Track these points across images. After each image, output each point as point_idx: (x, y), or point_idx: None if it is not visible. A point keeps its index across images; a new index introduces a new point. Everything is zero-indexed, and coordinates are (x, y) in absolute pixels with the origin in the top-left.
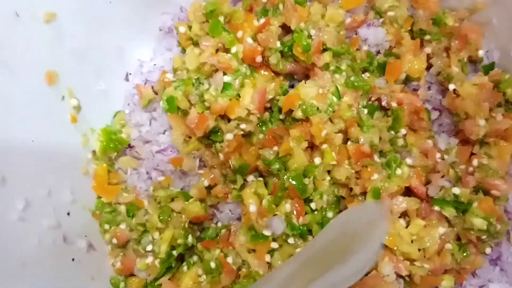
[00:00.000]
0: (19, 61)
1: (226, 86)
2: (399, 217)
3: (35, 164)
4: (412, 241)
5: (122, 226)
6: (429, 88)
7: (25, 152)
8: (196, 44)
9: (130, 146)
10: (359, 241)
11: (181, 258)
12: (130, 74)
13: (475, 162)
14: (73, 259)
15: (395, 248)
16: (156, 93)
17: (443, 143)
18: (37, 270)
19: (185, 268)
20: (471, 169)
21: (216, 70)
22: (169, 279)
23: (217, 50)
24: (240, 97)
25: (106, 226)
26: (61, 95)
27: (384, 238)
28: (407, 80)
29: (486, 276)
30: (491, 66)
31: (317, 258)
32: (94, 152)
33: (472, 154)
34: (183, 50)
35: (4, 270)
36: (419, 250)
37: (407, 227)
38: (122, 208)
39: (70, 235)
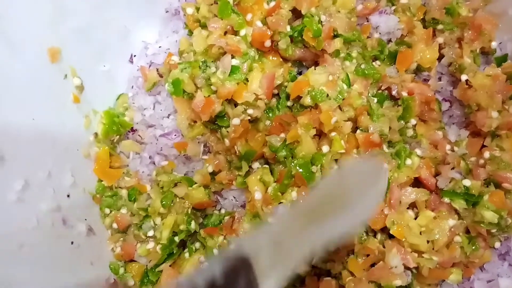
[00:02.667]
0: (19, 35)
1: (234, 69)
2: (408, 208)
3: (35, 144)
4: (420, 233)
5: (123, 210)
6: (439, 78)
7: (25, 131)
8: (203, 26)
9: (132, 130)
10: (357, 194)
11: (183, 245)
12: (135, 56)
13: (486, 154)
14: (72, 243)
15: (404, 239)
16: (161, 76)
17: (453, 135)
18: (35, 253)
19: (186, 254)
20: (482, 161)
21: (224, 53)
22: (170, 266)
23: (225, 33)
24: (248, 81)
25: (107, 210)
26: (64, 73)
27: (384, 193)
28: (418, 70)
29: (494, 270)
30: (504, 58)
31: (315, 209)
32: (96, 134)
33: (483, 146)
34: (190, 33)
35: (1, 252)
36: (427, 242)
37: (415, 218)
38: (124, 192)
39: (69, 218)
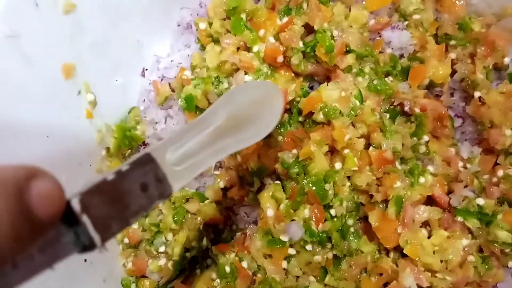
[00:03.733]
0: (37, 52)
1: None
2: (421, 226)
3: (50, 159)
4: (434, 252)
5: (135, 225)
6: (452, 94)
7: (40, 147)
8: (216, 41)
9: (144, 144)
10: (255, 111)
11: (194, 261)
12: (147, 69)
13: (500, 172)
14: (85, 260)
15: (417, 258)
16: (173, 90)
17: (466, 152)
18: (49, 271)
19: (198, 271)
20: (495, 179)
21: (237, 69)
22: (181, 282)
23: (238, 49)
24: None
25: None
26: (78, 89)
27: (280, 111)
28: (430, 86)
29: None
30: None
31: (212, 129)
32: (108, 149)
33: (496, 164)
34: (202, 47)
35: None
36: (441, 261)
37: (429, 237)
38: None
39: None
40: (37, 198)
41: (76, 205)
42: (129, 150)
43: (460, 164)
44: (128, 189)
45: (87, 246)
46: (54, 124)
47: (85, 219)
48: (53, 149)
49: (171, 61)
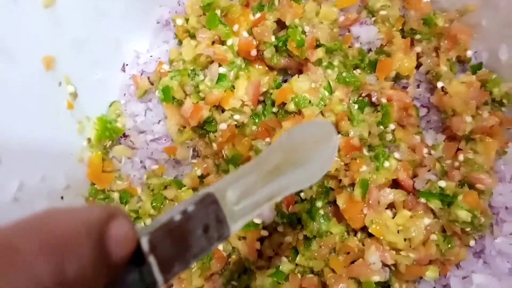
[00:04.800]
0: (16, 44)
1: (221, 77)
2: (386, 208)
3: (30, 148)
4: (398, 232)
5: None
6: (418, 86)
7: (21, 135)
8: (192, 36)
9: (124, 136)
10: (310, 151)
11: None
12: (127, 65)
13: (461, 157)
14: None
15: (382, 237)
16: (152, 84)
17: (430, 139)
18: None
19: None
20: (457, 163)
21: (212, 62)
22: None
23: (213, 43)
24: (234, 88)
25: None
26: (58, 81)
27: (336, 150)
28: (397, 78)
29: (469, 268)
30: (479, 66)
31: (270, 165)
32: (89, 140)
33: (458, 150)
34: (180, 43)
35: None
36: (404, 240)
37: (393, 218)
38: (116, 195)
39: None
40: (115, 242)
41: (145, 245)
42: (110, 142)
43: (425, 150)
44: (192, 230)
45: (149, 286)
46: (35, 113)
47: (151, 259)
48: (35, 137)
49: (150, 56)
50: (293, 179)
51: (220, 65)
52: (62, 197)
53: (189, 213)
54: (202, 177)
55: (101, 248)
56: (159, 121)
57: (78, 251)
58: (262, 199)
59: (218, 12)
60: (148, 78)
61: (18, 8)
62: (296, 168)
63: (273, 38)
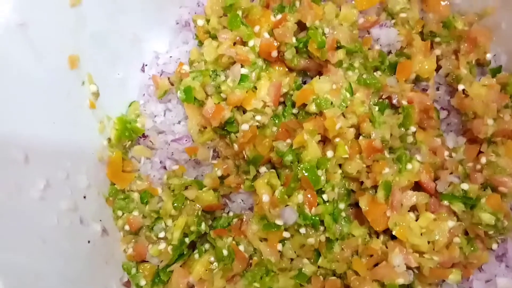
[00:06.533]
0: (44, 42)
1: (243, 78)
2: (409, 211)
3: (55, 146)
4: (421, 234)
5: (135, 213)
6: (437, 88)
7: (46, 133)
8: (213, 37)
9: (144, 136)
10: None
11: (193, 246)
12: (146, 65)
13: (483, 159)
14: (88, 241)
15: (405, 240)
16: (172, 84)
17: (451, 142)
18: (57, 248)
19: (196, 255)
20: (479, 166)
21: (233, 63)
22: (180, 266)
23: (234, 44)
24: (256, 89)
25: (119, 213)
26: (82, 80)
27: None
28: (417, 80)
29: (492, 271)
30: (498, 70)
31: None
32: (109, 139)
33: (479, 152)
34: (200, 43)
35: (29, 244)
36: (428, 242)
37: (416, 220)
38: (136, 196)
39: (85, 218)
40: None
41: None
42: (130, 142)
43: (446, 153)
44: None
45: None
46: (59, 111)
47: None
48: (59, 136)
49: (170, 57)
50: None
51: (242, 66)
52: (84, 197)
53: None
54: (222, 178)
55: None
56: (180, 121)
57: None
58: None
59: (239, 13)
60: (168, 78)
61: (47, 6)
62: None
63: (293, 39)
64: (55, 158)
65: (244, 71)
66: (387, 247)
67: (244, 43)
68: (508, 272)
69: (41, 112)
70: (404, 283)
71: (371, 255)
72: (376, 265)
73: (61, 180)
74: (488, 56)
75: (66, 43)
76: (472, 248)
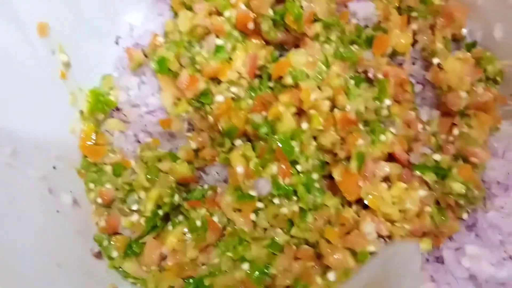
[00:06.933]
0: (12, 7)
1: (218, 49)
2: (382, 181)
3: (23, 114)
4: (393, 203)
5: (108, 185)
6: (413, 63)
7: (14, 101)
8: (189, 8)
9: (117, 109)
10: (398, 278)
11: (166, 218)
12: (120, 37)
13: (455, 131)
14: (58, 211)
15: (377, 209)
16: (146, 57)
17: (425, 115)
18: (23, 215)
19: (170, 227)
20: (451, 138)
21: (209, 33)
22: (153, 238)
23: (210, 14)
24: (231, 60)
25: (91, 185)
26: (52, 49)
27: (420, 276)
28: (393, 55)
29: (462, 240)
30: (473, 44)
31: None
32: (81, 112)
33: (453, 125)
34: (175, 15)
35: None
36: (399, 212)
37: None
38: (108, 168)
39: (55, 188)
40: None
41: None
42: (103, 115)
43: (420, 126)
44: None
45: None
46: (29, 79)
47: None
48: (28, 101)
49: (145, 29)
50: None
51: (217, 37)
52: (54, 167)
53: None
54: (197, 151)
55: None
56: (153, 94)
57: None
58: None
59: None
60: (142, 50)
61: None
62: None
63: (270, 11)
64: (23, 126)
65: (219, 42)
66: (359, 217)
67: (220, 14)
68: (477, 241)
69: (9, 79)
70: (375, 250)
71: (343, 224)
72: (348, 234)
73: (29, 149)
74: (464, 31)
75: (36, 11)
76: (443, 218)
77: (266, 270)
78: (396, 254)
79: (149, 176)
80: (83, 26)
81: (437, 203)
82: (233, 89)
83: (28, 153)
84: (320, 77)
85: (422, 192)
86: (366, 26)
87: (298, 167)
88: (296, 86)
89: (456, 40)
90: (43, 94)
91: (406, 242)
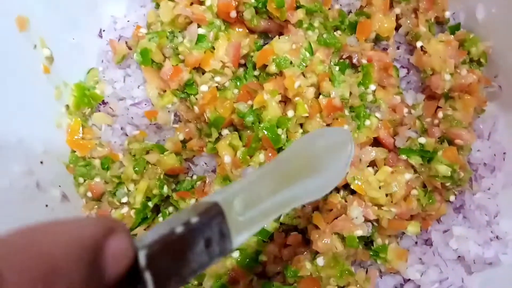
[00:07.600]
0: None
1: (200, 38)
2: (368, 166)
3: (7, 108)
4: (380, 187)
5: (97, 179)
6: (398, 47)
7: None
8: None
9: (104, 103)
10: (326, 159)
11: (156, 210)
12: (104, 30)
13: (440, 114)
14: (46, 205)
15: (364, 194)
16: (130, 48)
17: (410, 99)
18: (8, 211)
19: (160, 219)
20: (436, 121)
21: (190, 23)
22: (144, 229)
23: (191, 4)
24: (214, 49)
25: (80, 180)
26: (33, 43)
27: (350, 160)
28: (377, 40)
29: (450, 222)
30: (457, 27)
31: (285, 171)
32: (67, 106)
33: (438, 108)
34: (157, 6)
35: None
36: (386, 195)
37: (375, 175)
38: (97, 162)
39: (43, 183)
40: (112, 260)
41: (142, 259)
42: (89, 109)
43: (405, 110)
44: (193, 244)
45: None
46: (10, 75)
47: (147, 276)
48: (11, 99)
49: (128, 21)
50: (306, 188)
51: (199, 26)
52: (41, 162)
53: (192, 225)
54: (184, 142)
55: (95, 268)
56: (139, 86)
57: (69, 276)
58: (271, 210)
59: None
60: (126, 42)
61: None
62: (312, 176)
63: None
64: (6, 121)
65: (201, 31)
66: (346, 202)
67: (201, 3)
68: (465, 223)
69: None
70: (363, 234)
71: (331, 210)
72: (336, 219)
73: (13, 144)
74: (447, 14)
75: (13, 4)
76: (430, 200)
77: (256, 258)
78: (328, 135)
79: (137, 169)
80: (64, 20)
81: (424, 186)
82: (217, 78)
83: (12, 148)
84: (304, 64)
85: (408, 176)
86: (349, 12)
87: None
88: (280, 74)
89: (440, 23)
90: (26, 89)
91: (339, 128)
